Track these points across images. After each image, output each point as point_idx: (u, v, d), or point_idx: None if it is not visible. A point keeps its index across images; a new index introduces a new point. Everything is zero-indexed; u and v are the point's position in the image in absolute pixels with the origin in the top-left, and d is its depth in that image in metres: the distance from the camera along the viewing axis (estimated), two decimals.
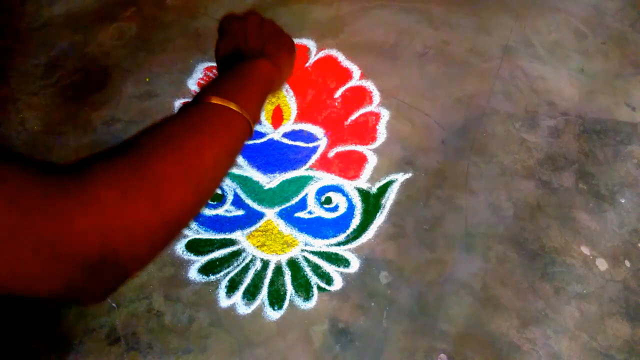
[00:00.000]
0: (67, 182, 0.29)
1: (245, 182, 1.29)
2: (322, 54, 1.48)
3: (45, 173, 0.29)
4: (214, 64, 1.48)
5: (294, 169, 1.31)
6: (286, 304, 1.16)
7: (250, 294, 1.18)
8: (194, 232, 1.24)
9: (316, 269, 1.20)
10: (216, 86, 0.44)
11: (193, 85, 1.43)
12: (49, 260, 0.27)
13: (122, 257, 0.31)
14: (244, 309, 1.16)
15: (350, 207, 1.27)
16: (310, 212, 1.26)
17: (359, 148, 1.34)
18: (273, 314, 1.15)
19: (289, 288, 1.18)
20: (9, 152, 0.28)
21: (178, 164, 0.35)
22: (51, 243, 0.27)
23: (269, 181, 1.29)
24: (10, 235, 0.25)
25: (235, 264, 1.21)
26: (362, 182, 1.30)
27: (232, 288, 1.18)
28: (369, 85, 1.43)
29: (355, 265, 1.20)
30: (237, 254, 1.22)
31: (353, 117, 1.38)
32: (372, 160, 1.32)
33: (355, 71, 1.45)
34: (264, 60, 0.49)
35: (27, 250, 0.26)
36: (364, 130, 1.36)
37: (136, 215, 0.31)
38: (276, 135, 1.35)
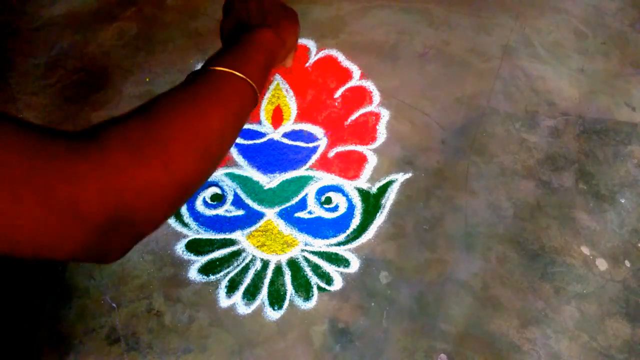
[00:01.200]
0: (82, 145, 0.31)
1: (245, 182, 1.29)
2: (322, 54, 1.48)
3: (61, 138, 0.30)
4: None
5: (294, 169, 1.31)
6: (286, 304, 1.16)
7: (250, 294, 1.18)
8: (194, 232, 1.24)
9: (316, 269, 1.20)
10: (220, 56, 0.46)
11: None
12: (67, 221, 0.28)
13: (136, 217, 0.33)
14: (244, 309, 1.16)
15: (350, 207, 1.27)
16: (310, 212, 1.26)
17: (359, 148, 1.34)
18: (273, 314, 1.15)
19: (289, 288, 1.18)
20: (25, 121, 0.29)
21: (186, 128, 0.37)
22: (69, 204, 0.28)
23: (269, 181, 1.29)
24: (29, 199, 0.26)
25: (235, 264, 1.21)
26: (362, 182, 1.30)
27: (232, 288, 1.18)
28: (369, 85, 1.43)
29: (355, 265, 1.20)
30: (237, 254, 1.22)
31: (353, 117, 1.38)
32: (372, 160, 1.32)
33: (355, 71, 1.45)
34: (265, 29, 0.50)
35: (45, 212, 0.27)
36: (364, 130, 1.36)
37: (148, 177, 0.33)
38: (276, 135, 1.35)
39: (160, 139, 0.34)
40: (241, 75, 0.43)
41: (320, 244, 1.23)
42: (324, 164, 1.32)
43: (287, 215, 1.26)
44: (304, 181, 1.30)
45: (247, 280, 1.19)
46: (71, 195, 0.28)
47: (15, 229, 0.26)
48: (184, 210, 1.26)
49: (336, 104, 1.40)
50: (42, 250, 0.29)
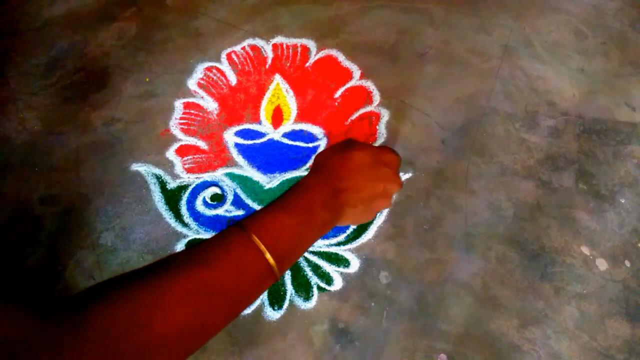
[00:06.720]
0: (64, 322, 0.29)
1: (245, 182, 1.29)
2: (322, 54, 1.48)
3: (40, 313, 0.29)
4: (214, 64, 1.48)
5: (294, 169, 1.31)
6: (286, 304, 1.16)
7: None
8: (194, 232, 1.24)
9: (316, 269, 1.20)
10: (264, 217, 0.40)
11: (193, 85, 1.42)
12: None
13: None
14: None
15: None
16: None
17: None
18: (273, 314, 1.15)
19: (289, 288, 1.18)
20: (9, 290, 0.28)
21: (180, 295, 0.33)
22: None
23: (269, 181, 1.29)
24: None
25: None
26: None
27: None
28: (369, 85, 1.43)
29: (355, 265, 1.20)
30: None
31: (353, 117, 1.38)
32: None
33: (355, 71, 1.45)
34: (331, 211, 0.44)
35: None
36: (364, 130, 1.36)
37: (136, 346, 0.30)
38: (276, 135, 1.35)
39: (150, 303, 0.31)
40: (261, 246, 0.37)
41: (320, 244, 1.23)
42: None
43: None
44: None
45: None
46: None
47: None
48: (184, 210, 1.26)
49: (336, 104, 1.40)
50: None
